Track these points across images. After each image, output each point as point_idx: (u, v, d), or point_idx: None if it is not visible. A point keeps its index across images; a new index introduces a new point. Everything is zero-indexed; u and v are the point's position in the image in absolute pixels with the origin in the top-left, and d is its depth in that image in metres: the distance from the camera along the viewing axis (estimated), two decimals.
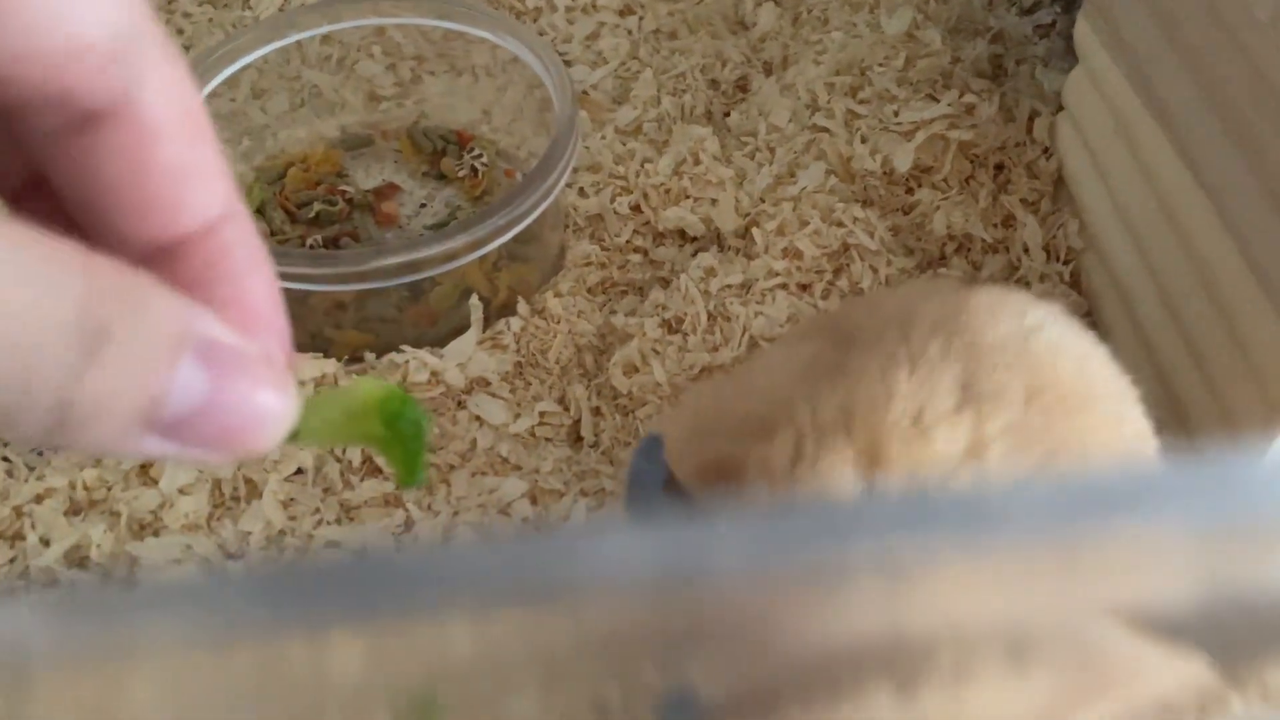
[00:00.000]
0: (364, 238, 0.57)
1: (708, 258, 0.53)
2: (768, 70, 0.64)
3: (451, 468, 0.47)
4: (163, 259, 0.18)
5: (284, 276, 0.48)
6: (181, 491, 0.45)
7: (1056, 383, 0.31)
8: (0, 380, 0.14)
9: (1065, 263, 0.53)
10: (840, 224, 0.53)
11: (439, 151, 0.61)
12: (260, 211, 0.57)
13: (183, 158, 0.17)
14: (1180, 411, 0.45)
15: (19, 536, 0.46)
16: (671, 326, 0.51)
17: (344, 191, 0.59)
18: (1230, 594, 0.19)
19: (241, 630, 0.14)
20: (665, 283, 0.54)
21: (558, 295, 0.53)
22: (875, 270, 0.52)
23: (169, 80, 0.17)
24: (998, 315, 0.31)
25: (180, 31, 0.66)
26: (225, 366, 0.16)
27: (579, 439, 0.50)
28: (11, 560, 0.45)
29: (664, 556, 0.15)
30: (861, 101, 0.58)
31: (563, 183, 0.51)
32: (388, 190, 0.59)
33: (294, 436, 0.18)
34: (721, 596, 0.16)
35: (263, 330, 0.18)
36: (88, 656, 0.14)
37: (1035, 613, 0.20)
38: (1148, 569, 0.18)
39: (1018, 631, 0.22)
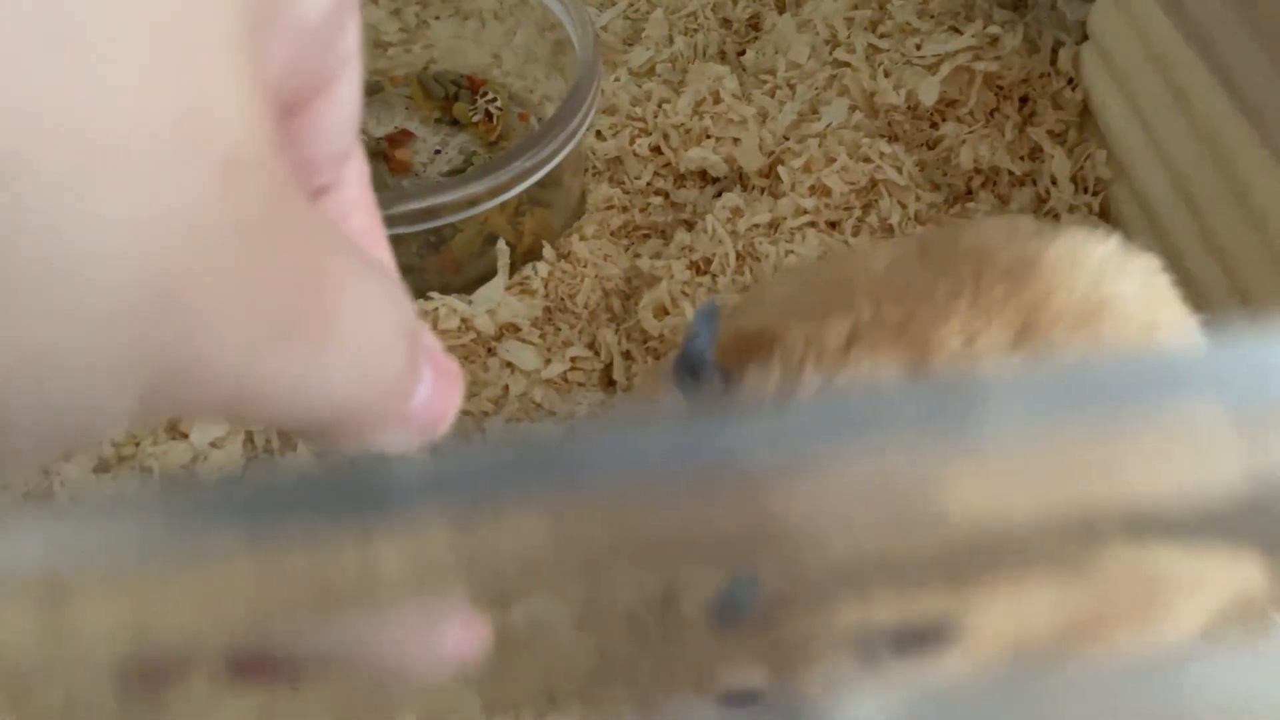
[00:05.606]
0: (379, 186, 0.56)
1: (733, 198, 0.53)
2: (780, 7, 0.63)
3: (485, 414, 0.46)
4: None
5: None
6: (213, 445, 0.44)
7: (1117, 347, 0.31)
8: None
9: (1094, 194, 0.53)
10: (867, 159, 0.52)
11: (450, 97, 0.60)
12: None
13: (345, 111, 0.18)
14: None
15: (48, 496, 0.45)
16: (700, 268, 0.50)
17: None
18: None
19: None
20: (688, 225, 0.54)
21: (583, 239, 0.52)
22: (904, 206, 0.51)
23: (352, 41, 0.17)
24: (1074, 274, 0.30)
25: None
26: (438, 368, 0.18)
27: (611, 383, 0.49)
28: None
29: (710, 448, 0.14)
30: (882, 35, 0.57)
31: (586, 125, 0.50)
32: (401, 137, 0.58)
33: None
34: (771, 487, 0.16)
35: None
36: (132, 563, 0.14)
37: (1068, 510, 0.20)
38: (1186, 458, 0.17)
39: (1044, 533, 0.22)
